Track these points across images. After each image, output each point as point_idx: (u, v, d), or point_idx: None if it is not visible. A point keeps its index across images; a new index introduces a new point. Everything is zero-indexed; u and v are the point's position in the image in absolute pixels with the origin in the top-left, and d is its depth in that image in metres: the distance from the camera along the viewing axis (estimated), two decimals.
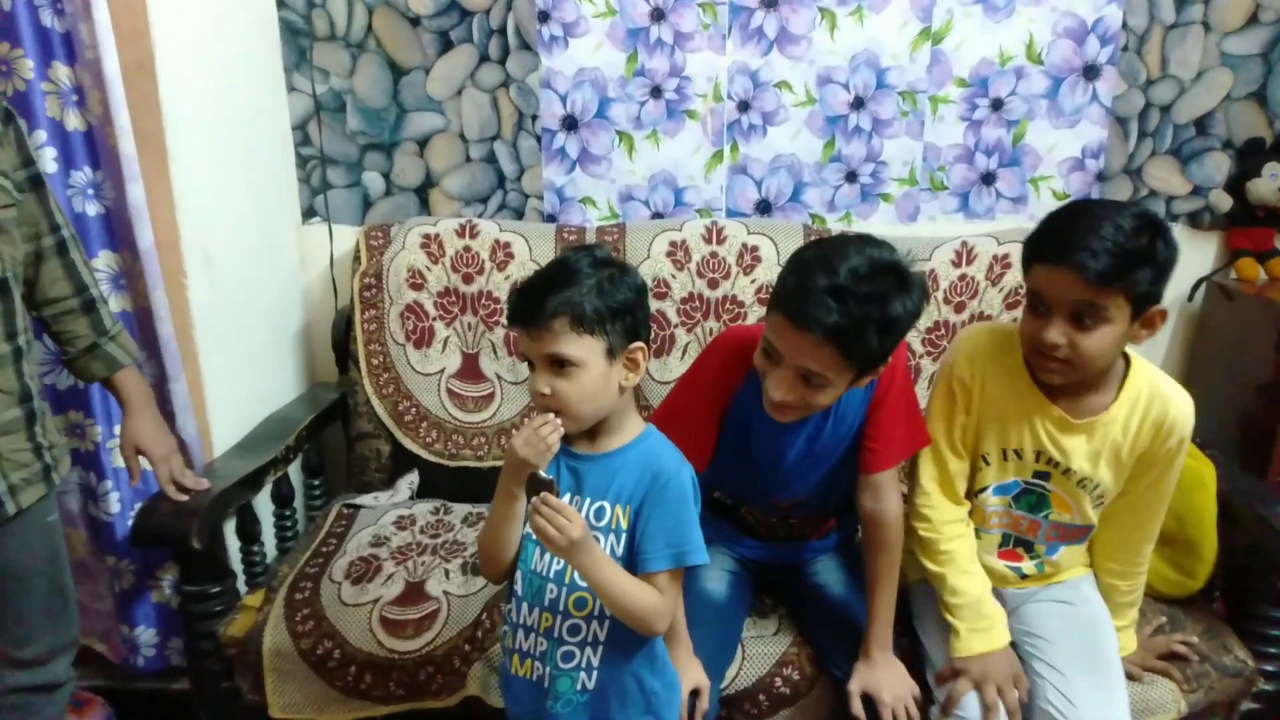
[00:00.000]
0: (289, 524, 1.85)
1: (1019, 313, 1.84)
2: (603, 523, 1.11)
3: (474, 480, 1.89)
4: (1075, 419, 1.32)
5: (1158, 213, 1.54)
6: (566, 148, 2.04)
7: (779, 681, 1.42)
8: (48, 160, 1.47)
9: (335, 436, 2.00)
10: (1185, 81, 1.97)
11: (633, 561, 1.10)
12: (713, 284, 1.91)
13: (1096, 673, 1.32)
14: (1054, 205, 2.02)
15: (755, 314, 1.89)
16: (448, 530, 1.75)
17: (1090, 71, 1.96)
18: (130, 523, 1.49)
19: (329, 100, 2.02)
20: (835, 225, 2.07)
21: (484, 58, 1.99)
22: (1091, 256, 1.16)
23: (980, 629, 1.33)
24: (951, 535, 1.37)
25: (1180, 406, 1.31)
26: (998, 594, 1.41)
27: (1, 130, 1.22)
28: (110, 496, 1.63)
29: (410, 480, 1.92)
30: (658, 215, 2.08)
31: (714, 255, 1.91)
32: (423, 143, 2.04)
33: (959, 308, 1.89)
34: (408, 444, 1.92)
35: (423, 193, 2.08)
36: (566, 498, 1.11)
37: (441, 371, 1.93)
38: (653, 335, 1.83)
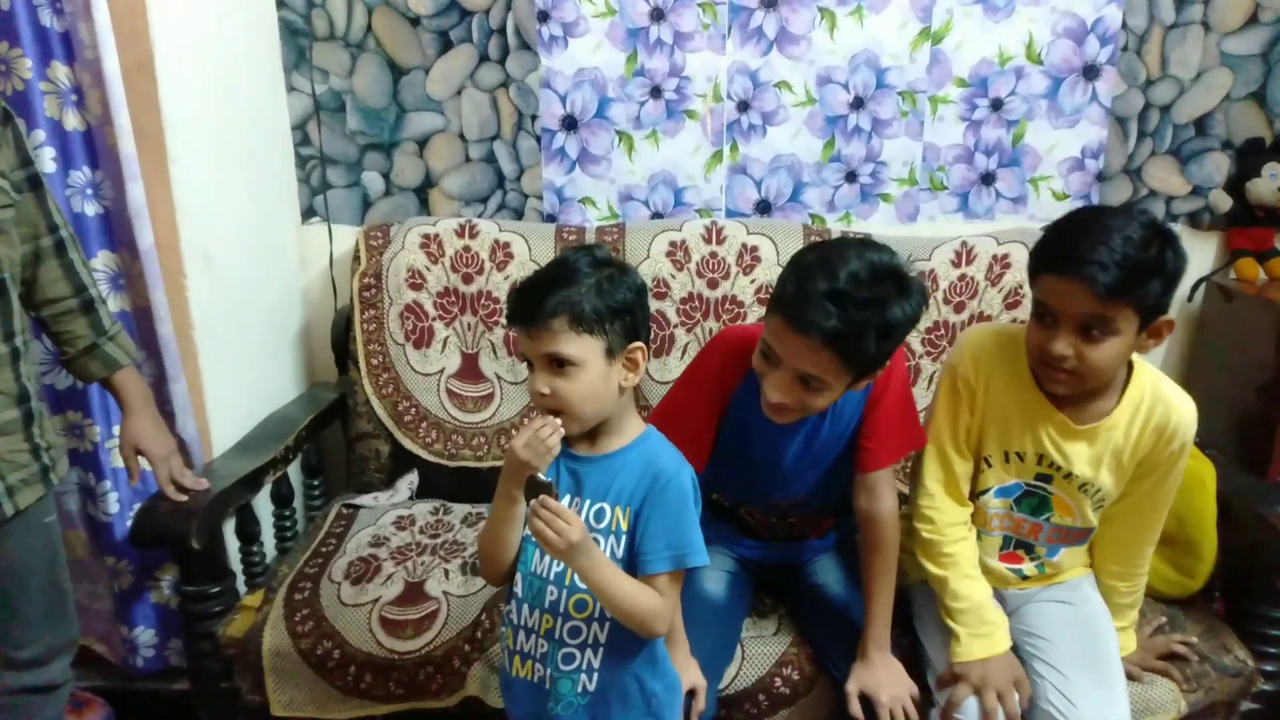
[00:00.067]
0: (288, 524, 1.85)
1: (1019, 313, 1.85)
2: (602, 524, 1.10)
3: (473, 480, 1.89)
4: (1078, 424, 1.32)
5: (1161, 218, 1.53)
6: (566, 148, 2.04)
7: (778, 682, 1.42)
8: (46, 160, 1.47)
9: (335, 436, 2.00)
10: (1185, 81, 1.96)
11: (632, 563, 1.09)
12: (712, 284, 1.90)
13: (1097, 672, 1.32)
14: (1054, 205, 2.03)
15: (755, 314, 1.89)
16: (447, 530, 1.75)
17: (1090, 71, 1.96)
18: (129, 523, 1.49)
19: (329, 100, 2.02)
20: (835, 225, 2.07)
21: (484, 58, 1.99)
22: (1101, 270, 1.14)
23: (981, 634, 1.32)
24: (955, 538, 1.37)
25: (1183, 411, 1.31)
26: (998, 595, 1.40)
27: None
28: (109, 497, 1.63)
29: (410, 480, 1.92)
30: (657, 215, 2.08)
31: (713, 255, 1.91)
32: (422, 143, 2.04)
33: (959, 308, 1.89)
34: (407, 444, 1.92)
35: (422, 193, 2.08)
36: (566, 500, 1.11)
37: (441, 372, 1.93)
38: (652, 335, 1.82)
